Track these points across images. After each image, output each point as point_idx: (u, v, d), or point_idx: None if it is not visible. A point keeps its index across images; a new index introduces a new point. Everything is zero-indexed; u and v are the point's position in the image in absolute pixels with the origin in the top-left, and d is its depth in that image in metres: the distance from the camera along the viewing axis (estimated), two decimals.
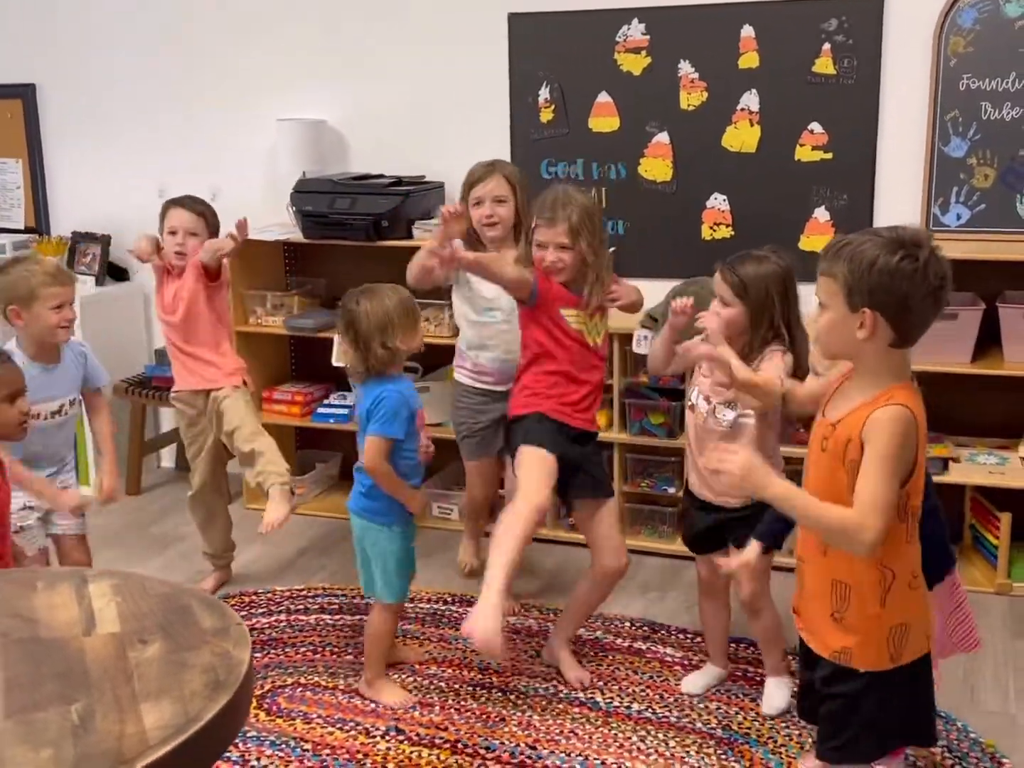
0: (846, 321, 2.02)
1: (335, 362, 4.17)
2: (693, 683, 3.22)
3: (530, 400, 3.13)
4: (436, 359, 4.21)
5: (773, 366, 2.77)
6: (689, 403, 3.03)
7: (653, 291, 3.94)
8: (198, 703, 1.55)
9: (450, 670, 3.35)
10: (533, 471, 3.02)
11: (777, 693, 3.10)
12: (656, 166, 4.23)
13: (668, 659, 3.38)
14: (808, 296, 3.84)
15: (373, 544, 3.09)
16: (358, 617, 3.64)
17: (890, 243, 1.97)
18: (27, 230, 5.22)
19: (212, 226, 3.72)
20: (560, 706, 3.13)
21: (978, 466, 3.78)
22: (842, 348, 2.08)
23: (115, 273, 5.04)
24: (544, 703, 3.15)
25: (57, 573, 2.11)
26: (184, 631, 1.77)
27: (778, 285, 2.81)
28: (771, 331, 2.84)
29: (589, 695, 3.19)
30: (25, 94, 5.12)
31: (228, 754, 2.86)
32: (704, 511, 3.02)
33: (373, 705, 3.15)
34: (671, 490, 4.09)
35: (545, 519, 3.32)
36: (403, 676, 3.30)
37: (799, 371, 2.76)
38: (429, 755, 2.92)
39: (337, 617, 3.68)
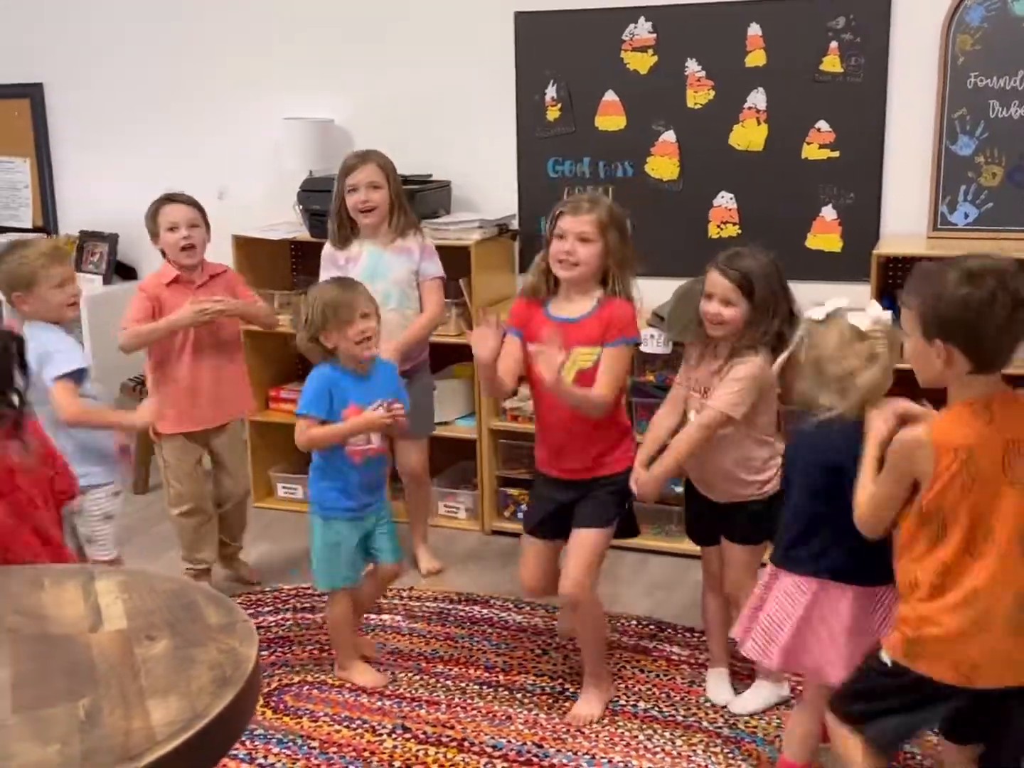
0: (926, 352, 2.07)
1: None
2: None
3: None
4: (443, 358, 4.21)
5: (733, 382, 2.81)
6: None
7: (660, 289, 3.94)
8: (205, 699, 1.55)
9: (456, 668, 3.35)
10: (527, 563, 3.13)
11: (757, 694, 3.11)
12: (663, 165, 4.23)
13: (675, 658, 3.38)
14: (807, 294, 3.86)
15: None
16: (364, 616, 3.64)
17: (959, 275, 2.01)
18: (35, 229, 5.23)
19: (206, 219, 3.68)
20: (566, 704, 3.13)
21: None
22: (928, 376, 2.14)
23: (123, 272, 5.05)
24: (550, 701, 3.15)
25: (65, 570, 2.11)
26: (191, 627, 1.78)
27: (778, 279, 2.83)
28: (765, 333, 2.82)
29: None
30: (33, 93, 5.13)
31: (235, 752, 2.86)
32: (706, 503, 3.04)
33: (380, 703, 3.16)
34: (678, 489, 4.07)
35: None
36: (410, 675, 3.30)
37: (790, 368, 2.75)
38: (435, 753, 2.92)
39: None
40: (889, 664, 2.19)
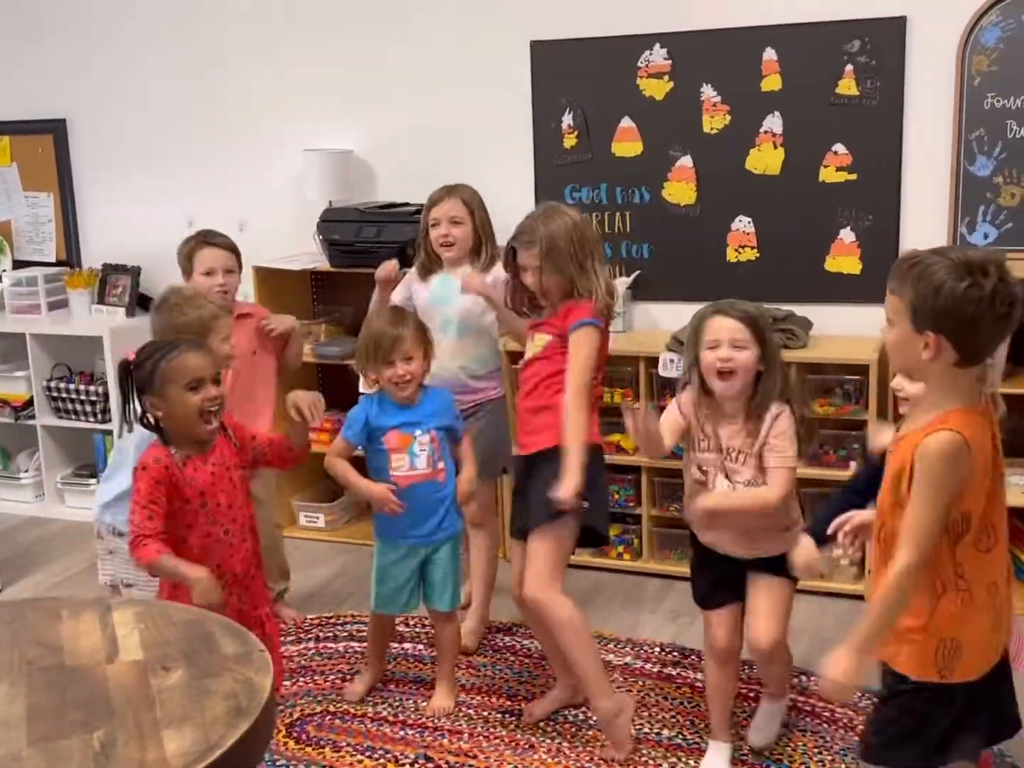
0: (911, 341, 2.02)
1: (362, 389, 4.18)
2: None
3: None
4: None
5: (785, 437, 2.74)
6: (698, 475, 2.86)
7: (679, 314, 3.94)
8: (219, 730, 1.56)
9: (479, 697, 3.33)
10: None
11: (770, 719, 3.05)
12: (680, 190, 4.23)
13: (699, 685, 3.35)
14: (828, 317, 3.84)
15: None
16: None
17: (958, 267, 1.95)
18: (58, 263, 5.29)
19: (240, 261, 3.70)
20: (590, 733, 3.11)
21: (1013, 490, 3.72)
22: (908, 365, 2.11)
23: (145, 304, 5.08)
24: (573, 730, 3.13)
25: (81, 602, 2.12)
26: (206, 658, 1.78)
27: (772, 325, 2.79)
28: (785, 379, 2.77)
29: None
30: (56, 129, 5.20)
31: None
32: (719, 562, 2.88)
33: (402, 732, 3.14)
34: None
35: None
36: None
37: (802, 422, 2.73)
38: None
39: (366, 645, 3.66)
40: (911, 685, 2.12)
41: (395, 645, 3.61)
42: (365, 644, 3.64)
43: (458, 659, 3.44)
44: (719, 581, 2.90)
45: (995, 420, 2.11)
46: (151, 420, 2.62)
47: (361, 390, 4.10)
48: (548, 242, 2.92)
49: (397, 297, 3.56)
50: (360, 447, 3.19)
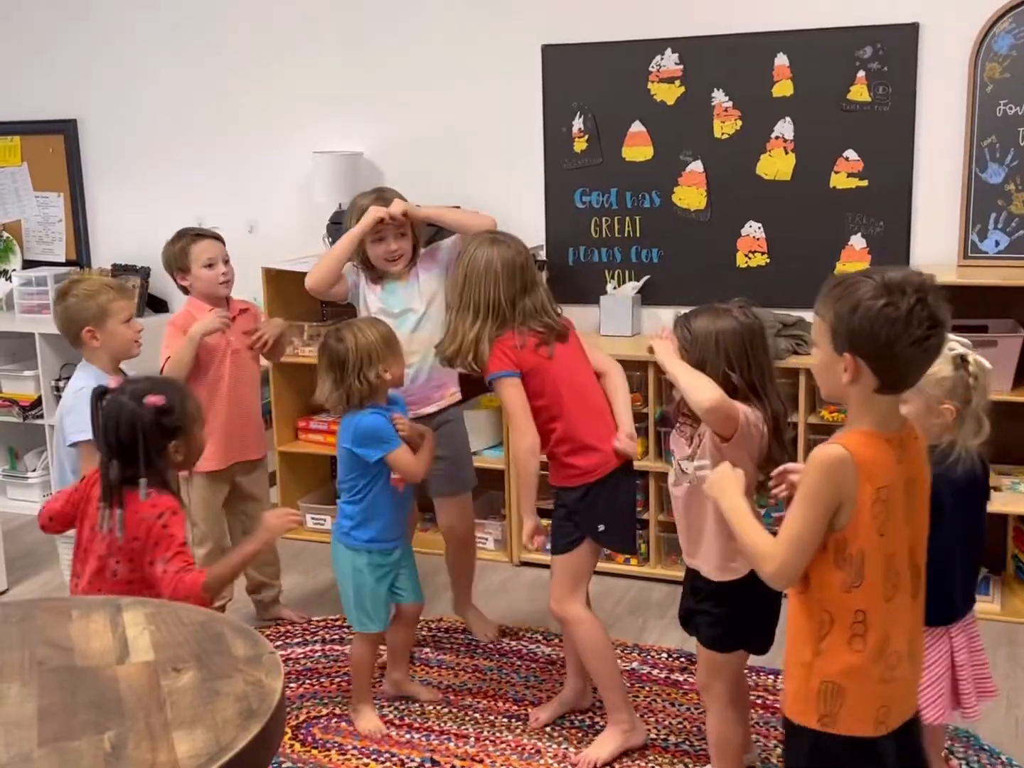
0: (832, 364, 1.93)
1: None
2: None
3: None
4: (469, 389, 4.21)
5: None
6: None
7: None
8: (230, 732, 1.55)
9: (485, 701, 3.33)
10: None
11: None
12: (690, 195, 4.23)
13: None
14: None
15: (335, 564, 3.19)
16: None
17: (878, 287, 1.85)
18: (68, 263, 5.30)
19: None
20: (596, 738, 3.10)
21: (1020, 495, 3.72)
22: (831, 389, 2.01)
23: (155, 305, 5.10)
24: (580, 735, 3.12)
25: (92, 602, 2.11)
26: (217, 659, 1.77)
27: (734, 342, 2.50)
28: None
29: None
30: (67, 129, 5.21)
31: None
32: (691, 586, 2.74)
33: (408, 736, 3.14)
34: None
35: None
36: (439, 708, 3.28)
37: (778, 433, 2.55)
38: None
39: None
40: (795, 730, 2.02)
41: None
42: None
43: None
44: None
45: (921, 461, 2.00)
46: (162, 467, 2.47)
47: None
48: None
49: (348, 281, 3.47)
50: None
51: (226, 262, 3.63)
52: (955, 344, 2.38)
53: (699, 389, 2.44)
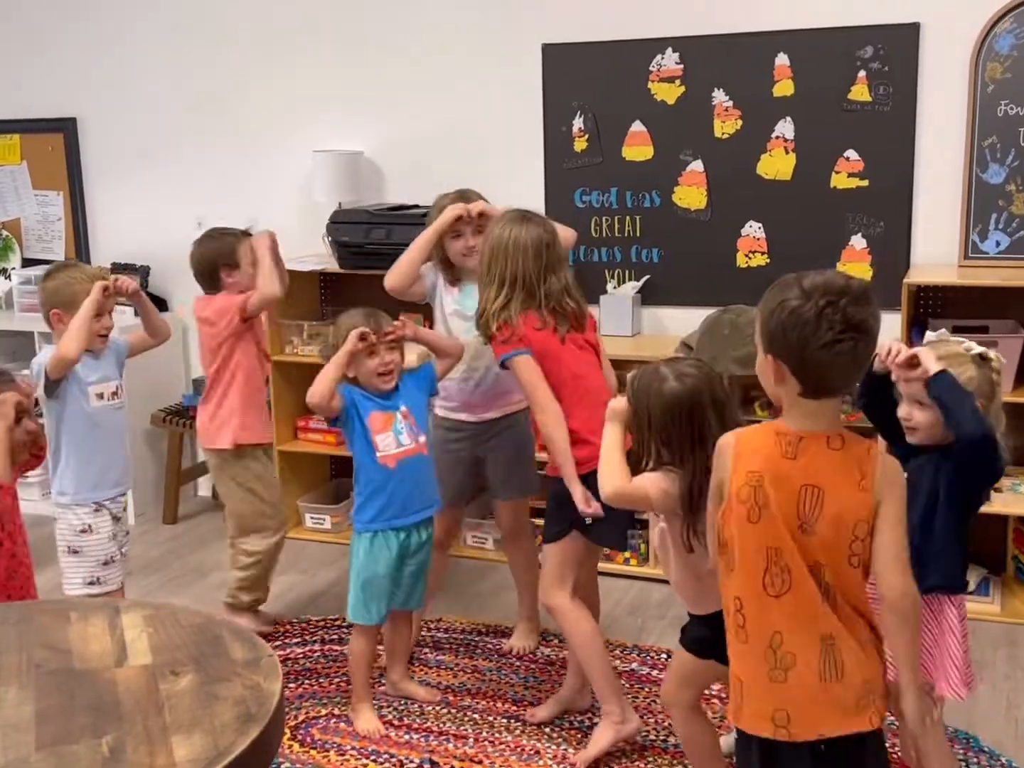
0: (763, 364, 1.95)
1: None
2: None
3: None
4: None
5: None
6: None
7: (688, 319, 3.93)
8: (229, 736, 1.55)
9: (484, 702, 3.32)
10: None
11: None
12: (690, 194, 4.22)
13: (705, 692, 3.33)
14: None
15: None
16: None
17: (798, 290, 1.85)
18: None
19: None
20: (591, 736, 3.09)
21: (1020, 496, 3.72)
22: (768, 391, 2.00)
23: (154, 303, 5.07)
24: (579, 736, 3.12)
25: (90, 604, 2.11)
26: (216, 662, 1.77)
27: (662, 412, 2.44)
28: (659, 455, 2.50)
29: None
30: (66, 128, 5.21)
31: None
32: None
33: (407, 737, 3.13)
34: None
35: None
36: (438, 708, 3.28)
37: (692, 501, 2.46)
38: None
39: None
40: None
41: None
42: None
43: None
44: None
45: (833, 473, 1.91)
46: None
47: None
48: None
49: (427, 282, 3.45)
50: (339, 423, 3.09)
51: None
52: (971, 344, 2.40)
53: (603, 477, 2.48)
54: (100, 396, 3.26)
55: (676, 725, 2.72)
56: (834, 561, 1.92)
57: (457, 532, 3.86)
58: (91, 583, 3.23)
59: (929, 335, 2.63)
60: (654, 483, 2.44)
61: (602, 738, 2.99)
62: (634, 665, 3.51)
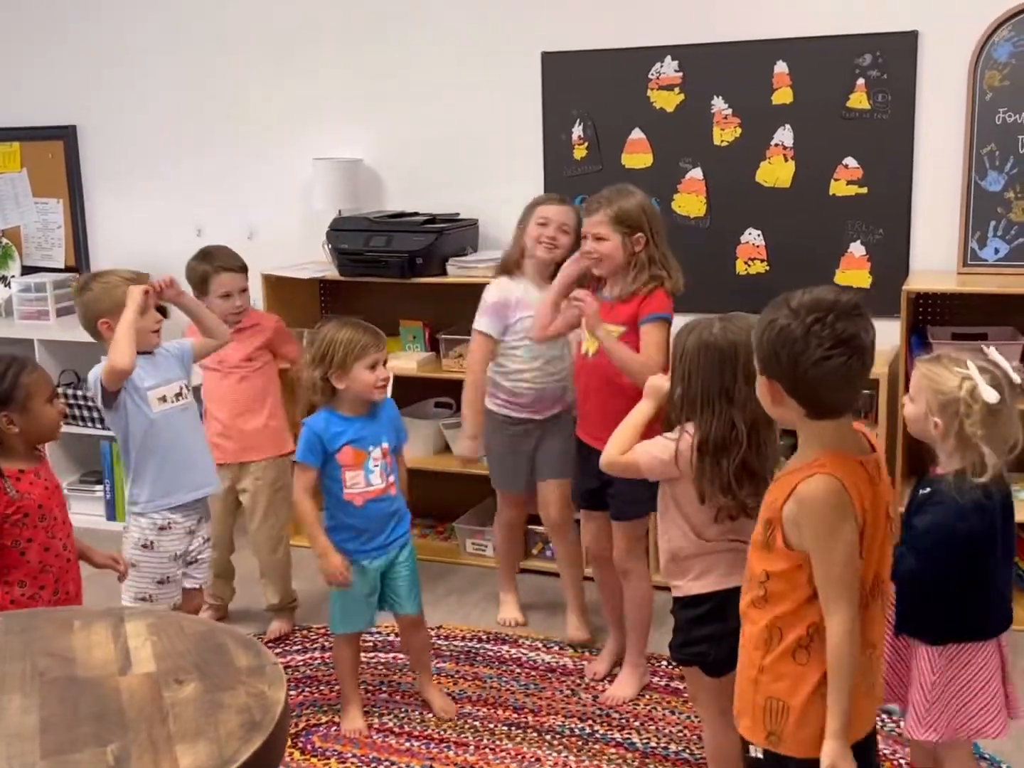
0: (762, 386, 1.93)
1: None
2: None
3: None
4: None
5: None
6: None
7: None
8: (233, 744, 1.55)
9: (484, 709, 3.32)
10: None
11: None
12: (690, 202, 4.23)
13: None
14: None
15: None
16: (392, 655, 3.63)
17: (786, 309, 1.83)
18: (67, 269, 5.29)
19: (247, 273, 3.81)
20: (596, 747, 3.10)
21: (1021, 503, 3.71)
22: (770, 413, 1.98)
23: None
24: (580, 743, 3.12)
25: (93, 612, 2.11)
26: (220, 671, 1.77)
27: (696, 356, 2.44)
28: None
29: (626, 735, 3.15)
30: (66, 135, 5.21)
31: None
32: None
33: (408, 744, 3.14)
34: None
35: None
36: (439, 716, 3.28)
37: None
38: None
39: (371, 655, 3.66)
40: (762, 757, 1.98)
41: (401, 656, 3.60)
42: (371, 654, 3.65)
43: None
44: None
45: (881, 483, 1.94)
46: None
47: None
48: (616, 207, 3.15)
49: (491, 299, 3.58)
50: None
51: (243, 291, 3.73)
52: (984, 365, 2.30)
53: (607, 446, 2.54)
54: (163, 399, 3.13)
55: (703, 727, 2.75)
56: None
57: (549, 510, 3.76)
58: (142, 599, 3.13)
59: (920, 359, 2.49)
60: (645, 450, 2.48)
61: (633, 683, 3.36)
62: None
